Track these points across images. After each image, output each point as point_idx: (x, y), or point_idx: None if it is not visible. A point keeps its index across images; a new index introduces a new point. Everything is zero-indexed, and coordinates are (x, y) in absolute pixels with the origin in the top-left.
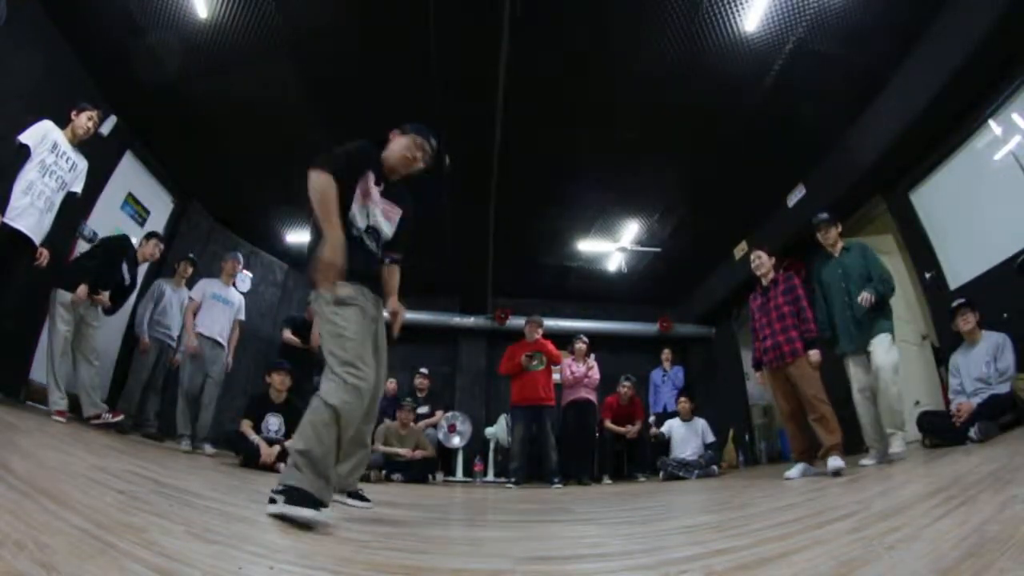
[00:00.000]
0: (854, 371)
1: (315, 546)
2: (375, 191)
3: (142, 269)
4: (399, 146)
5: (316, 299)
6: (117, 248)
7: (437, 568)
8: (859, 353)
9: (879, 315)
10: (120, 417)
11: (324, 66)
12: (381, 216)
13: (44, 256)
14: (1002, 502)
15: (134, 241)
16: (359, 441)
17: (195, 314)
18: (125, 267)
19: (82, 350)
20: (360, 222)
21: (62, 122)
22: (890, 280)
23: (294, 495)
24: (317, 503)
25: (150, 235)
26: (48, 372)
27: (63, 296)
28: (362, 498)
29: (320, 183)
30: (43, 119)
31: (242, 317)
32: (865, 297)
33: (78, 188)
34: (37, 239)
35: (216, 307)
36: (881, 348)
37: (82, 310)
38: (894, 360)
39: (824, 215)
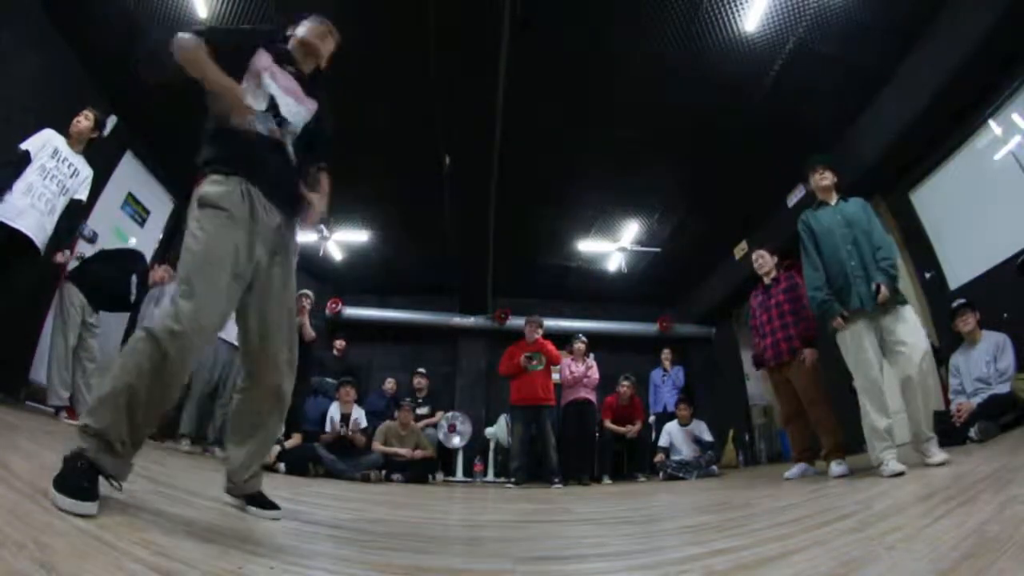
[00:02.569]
0: (867, 340)
1: (315, 546)
2: (278, 69)
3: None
4: (301, 30)
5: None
6: (130, 260)
7: (437, 568)
8: (875, 317)
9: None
10: (74, 422)
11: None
12: (289, 97)
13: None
14: (1002, 502)
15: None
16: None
17: None
18: (135, 281)
19: (81, 354)
20: (256, 98)
21: (61, 123)
22: (894, 257)
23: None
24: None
25: (163, 260)
26: (51, 372)
27: (72, 294)
28: (267, 504)
29: (183, 44)
30: (42, 119)
31: None
32: (883, 294)
33: (82, 195)
34: (39, 241)
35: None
36: (912, 323)
37: (85, 315)
38: (927, 345)
39: (820, 156)
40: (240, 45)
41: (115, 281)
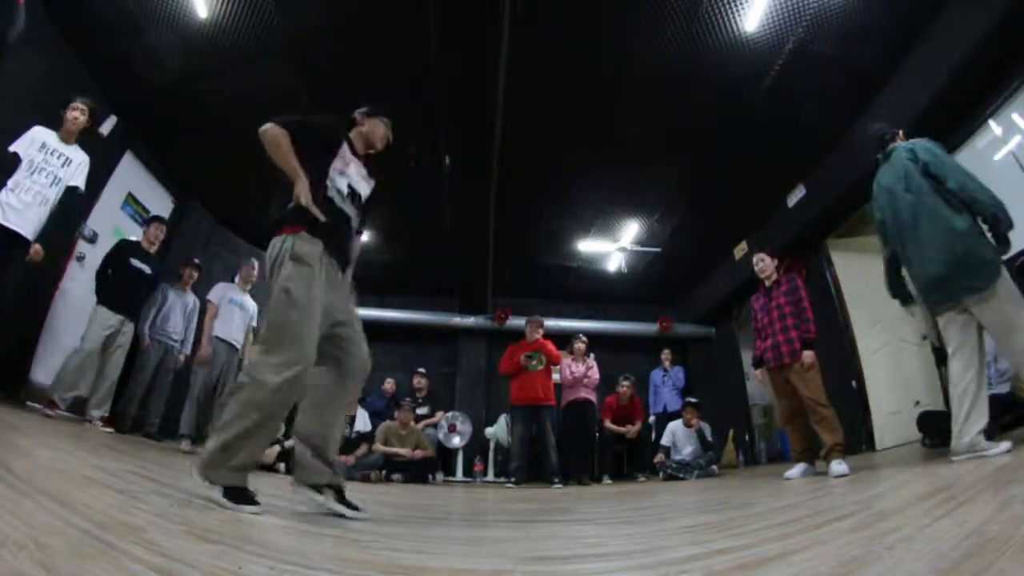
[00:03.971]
0: None
1: (315, 546)
2: (352, 158)
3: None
4: (378, 128)
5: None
6: (118, 254)
7: (437, 568)
8: None
9: None
10: (110, 429)
11: (324, 66)
12: (362, 181)
13: (38, 253)
14: (1002, 502)
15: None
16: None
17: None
18: (136, 262)
19: (104, 364)
20: (340, 184)
21: (61, 123)
22: None
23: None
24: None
25: (151, 219)
26: (63, 372)
27: (103, 314)
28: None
29: (271, 133)
30: (43, 119)
31: (255, 324)
32: None
33: (79, 182)
34: (27, 234)
35: (234, 312)
36: None
37: (116, 324)
38: None
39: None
40: (327, 142)
41: (127, 281)
